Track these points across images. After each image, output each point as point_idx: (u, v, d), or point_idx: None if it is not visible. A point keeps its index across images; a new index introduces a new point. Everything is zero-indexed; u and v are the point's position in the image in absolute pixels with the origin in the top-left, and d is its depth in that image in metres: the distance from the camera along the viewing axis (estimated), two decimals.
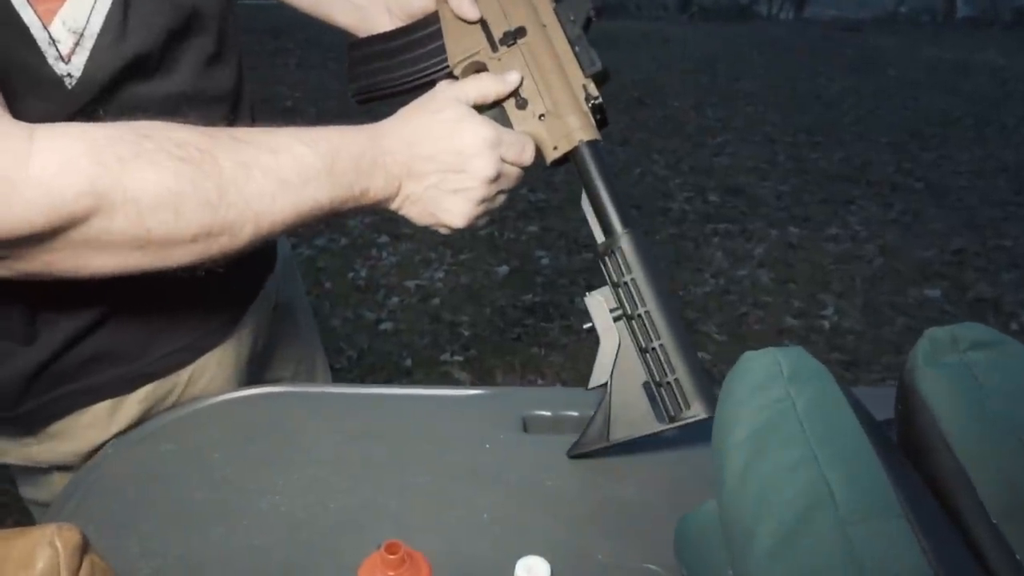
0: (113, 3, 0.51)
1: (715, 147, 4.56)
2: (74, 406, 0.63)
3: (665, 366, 0.55)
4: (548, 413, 0.71)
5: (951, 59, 7.64)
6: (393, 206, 0.59)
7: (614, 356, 0.58)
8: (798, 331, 2.58)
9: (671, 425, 0.55)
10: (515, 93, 0.63)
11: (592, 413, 0.61)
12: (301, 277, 0.93)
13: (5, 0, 0.46)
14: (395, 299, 2.68)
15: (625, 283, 0.57)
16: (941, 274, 3.01)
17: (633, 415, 0.57)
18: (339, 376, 2.25)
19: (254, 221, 0.51)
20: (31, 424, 0.63)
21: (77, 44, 0.50)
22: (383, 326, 2.51)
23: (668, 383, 0.55)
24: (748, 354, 0.44)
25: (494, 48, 0.65)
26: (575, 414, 0.70)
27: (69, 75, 0.50)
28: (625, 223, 0.59)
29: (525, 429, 0.70)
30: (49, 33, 0.49)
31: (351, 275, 2.81)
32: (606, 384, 0.58)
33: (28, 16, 0.48)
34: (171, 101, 0.57)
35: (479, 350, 2.40)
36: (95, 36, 0.51)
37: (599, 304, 0.59)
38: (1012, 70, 7.21)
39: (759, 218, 3.49)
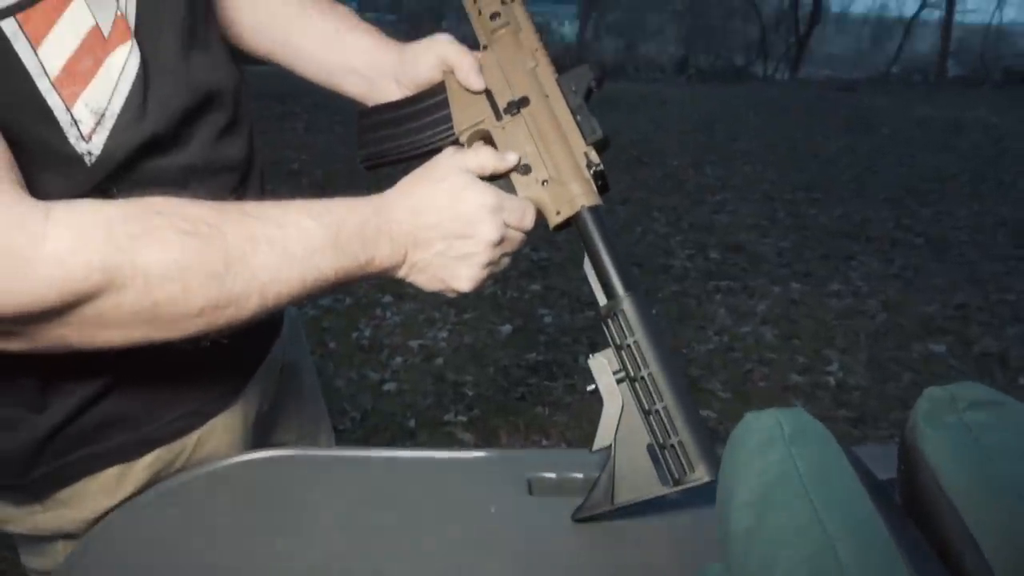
0: (133, 85, 0.54)
1: (715, 204, 4.62)
2: (83, 472, 0.63)
3: (668, 428, 0.55)
4: (553, 475, 0.71)
5: (944, 117, 7.79)
6: (400, 274, 0.61)
7: (617, 418, 0.58)
8: (803, 388, 2.56)
9: (675, 488, 0.55)
10: (518, 163, 0.65)
11: (597, 475, 0.61)
12: (306, 337, 0.94)
13: (32, 86, 0.49)
14: (399, 359, 2.67)
15: (628, 345, 0.58)
16: (945, 329, 3.01)
17: (637, 478, 0.57)
18: (343, 437, 2.23)
19: (260, 293, 0.52)
20: (39, 491, 0.63)
21: (98, 124, 0.52)
22: (387, 386, 2.51)
23: (672, 446, 0.55)
24: (749, 415, 0.45)
25: (498, 117, 0.67)
26: (580, 476, 0.70)
27: (89, 153, 0.52)
28: (627, 286, 0.60)
29: (530, 491, 0.69)
30: (72, 114, 0.51)
31: (355, 335, 2.81)
32: (610, 446, 0.58)
33: (53, 100, 0.50)
34: (183, 173, 0.59)
35: (483, 410, 2.39)
36: (115, 116, 0.53)
37: (602, 366, 0.60)
38: (1005, 127, 7.34)
39: (761, 275, 3.51)
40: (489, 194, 0.60)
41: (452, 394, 2.47)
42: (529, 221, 0.63)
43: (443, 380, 2.55)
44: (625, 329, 0.58)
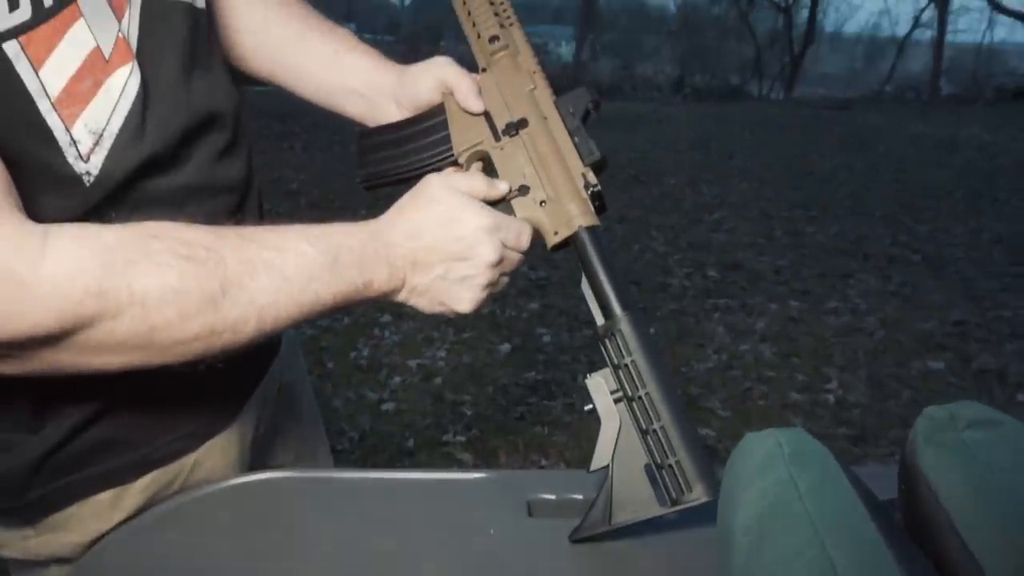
0: (133, 105, 0.54)
1: (712, 223, 4.64)
2: (78, 495, 0.62)
3: (666, 448, 0.55)
4: (552, 496, 0.70)
5: (938, 135, 7.85)
6: (399, 297, 0.60)
7: (615, 438, 0.58)
8: (803, 406, 2.56)
9: (673, 509, 0.55)
10: (508, 192, 0.65)
11: (596, 495, 0.60)
12: (304, 357, 0.94)
13: (32, 106, 0.49)
14: (397, 379, 2.67)
15: (625, 365, 0.58)
16: (943, 346, 3.01)
17: (635, 498, 0.57)
18: (341, 458, 2.22)
19: (257, 318, 0.52)
20: (33, 515, 0.62)
21: (96, 144, 0.52)
22: (385, 406, 2.50)
23: (669, 465, 0.55)
24: (749, 436, 0.44)
25: (497, 138, 0.68)
26: (579, 497, 0.69)
27: (87, 173, 0.52)
28: (624, 306, 0.60)
29: (530, 513, 0.69)
30: (71, 135, 0.51)
31: (353, 355, 2.81)
32: (607, 466, 0.58)
33: (53, 120, 0.50)
34: (182, 194, 0.59)
35: (482, 430, 2.37)
36: (114, 136, 0.53)
37: (600, 386, 0.59)
38: (998, 145, 7.40)
39: (759, 292, 3.51)
40: (486, 215, 0.60)
41: (451, 414, 2.46)
42: (526, 241, 0.63)
43: (442, 400, 2.54)
44: (622, 348, 0.58)
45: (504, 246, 0.61)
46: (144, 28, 0.56)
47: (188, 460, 0.68)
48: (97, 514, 0.63)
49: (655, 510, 0.56)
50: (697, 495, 0.53)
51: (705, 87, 14.42)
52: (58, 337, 0.46)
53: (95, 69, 0.51)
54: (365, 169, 0.74)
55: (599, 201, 0.65)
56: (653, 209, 4.84)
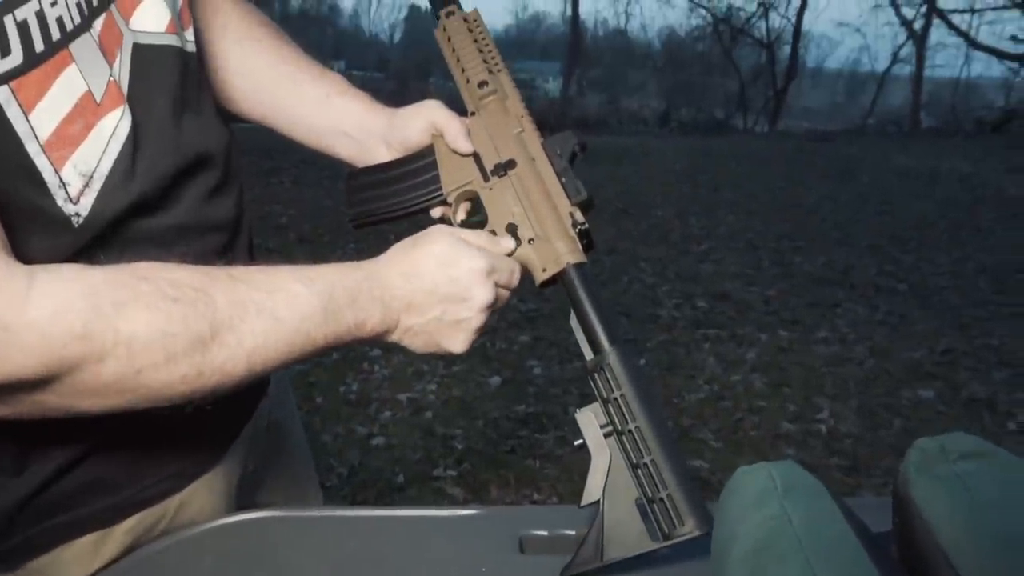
0: (123, 147, 0.54)
1: (700, 254, 4.67)
2: (60, 539, 0.61)
3: (657, 482, 0.55)
4: (545, 532, 0.69)
5: (920, 167, 7.99)
6: (392, 338, 0.60)
7: (605, 473, 0.57)
8: (795, 436, 2.55)
9: (665, 543, 0.54)
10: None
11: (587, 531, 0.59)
12: (293, 392, 0.93)
13: (21, 149, 0.49)
14: (387, 413, 2.64)
15: (615, 399, 0.58)
16: (933, 374, 3.02)
17: (627, 533, 0.56)
18: (330, 494, 2.19)
19: (247, 360, 0.51)
20: (14, 559, 0.60)
21: (86, 186, 0.52)
22: (375, 441, 2.47)
23: (660, 499, 0.54)
24: (742, 469, 0.44)
25: (486, 179, 0.69)
26: (572, 533, 0.68)
27: (77, 215, 0.52)
28: (612, 340, 0.61)
29: (522, 550, 0.68)
30: (60, 177, 0.51)
31: (343, 389, 2.78)
32: (598, 501, 0.58)
33: (42, 163, 0.50)
34: (171, 234, 0.59)
35: (472, 464, 2.35)
36: (104, 178, 0.53)
37: (590, 420, 0.59)
38: (979, 176, 7.53)
39: (748, 323, 3.53)
40: (481, 258, 0.61)
41: (441, 448, 2.44)
42: (516, 279, 0.64)
43: (432, 434, 2.52)
44: (611, 382, 0.58)
45: (497, 286, 0.62)
46: (135, 72, 0.56)
47: (174, 501, 0.66)
48: (80, 558, 0.62)
49: (647, 545, 0.55)
50: (689, 529, 0.53)
51: (691, 121, 14.65)
52: (43, 379, 0.45)
53: (86, 112, 0.51)
54: (354, 208, 0.75)
55: (587, 239, 0.66)
56: (641, 241, 4.87)
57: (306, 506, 0.89)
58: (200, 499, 0.68)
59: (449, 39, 0.75)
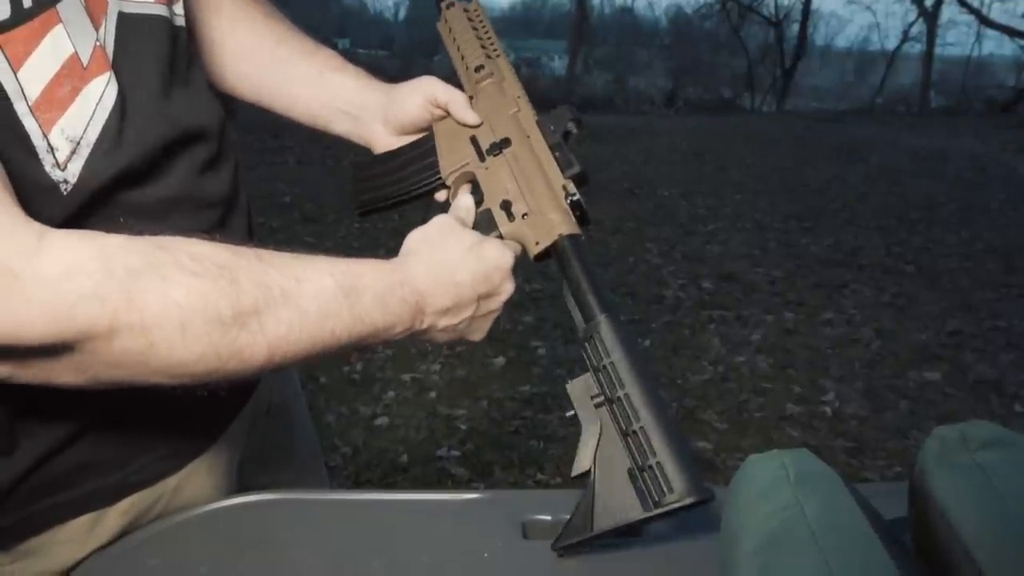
0: (110, 115, 0.52)
1: (706, 235, 4.64)
2: (54, 520, 0.60)
3: (647, 449, 0.52)
4: (548, 517, 0.68)
5: (929, 147, 7.91)
6: (422, 336, 0.60)
7: (596, 442, 0.56)
8: (800, 418, 2.54)
9: (656, 511, 0.51)
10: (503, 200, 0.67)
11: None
12: (297, 373, 0.92)
13: (10, 109, 0.47)
14: (391, 393, 2.64)
15: (604, 367, 0.56)
16: (939, 356, 3.00)
17: (617, 502, 0.54)
18: (334, 474, 2.19)
19: (268, 348, 0.48)
20: (7, 541, 0.60)
21: (73, 152, 0.51)
22: (379, 421, 2.47)
23: (650, 467, 0.52)
24: (753, 458, 0.43)
25: (482, 159, 0.70)
26: None
27: (65, 181, 0.51)
28: (603, 308, 0.60)
29: (525, 535, 0.67)
30: (48, 141, 0.49)
31: (346, 369, 2.78)
32: (589, 471, 0.56)
33: (30, 124, 0.49)
34: (162, 206, 0.58)
35: (476, 444, 2.35)
36: (91, 145, 0.52)
37: (581, 390, 0.58)
38: (989, 156, 7.45)
39: (754, 304, 3.51)
40: (508, 254, 0.62)
41: (445, 428, 2.44)
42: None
43: (436, 414, 2.52)
44: (601, 350, 0.57)
45: None
46: (120, 40, 0.54)
47: (170, 483, 0.65)
48: (74, 539, 0.61)
49: (638, 513, 0.53)
50: (679, 496, 0.50)
51: (698, 100, 14.52)
52: (49, 342, 0.43)
53: (73, 75, 0.50)
54: (360, 197, 0.77)
55: (580, 211, 0.66)
56: (647, 221, 4.83)
57: (307, 489, 0.88)
58: (198, 481, 0.68)
59: (450, 30, 0.77)
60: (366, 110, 0.75)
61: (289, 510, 0.70)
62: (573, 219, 0.65)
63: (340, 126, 0.77)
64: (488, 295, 0.60)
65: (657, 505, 0.51)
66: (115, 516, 0.62)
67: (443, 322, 0.59)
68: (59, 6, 0.49)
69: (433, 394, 2.64)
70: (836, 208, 5.34)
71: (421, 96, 0.72)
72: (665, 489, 0.51)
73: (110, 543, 0.63)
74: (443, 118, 0.74)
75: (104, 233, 0.46)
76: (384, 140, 0.76)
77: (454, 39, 0.76)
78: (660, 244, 4.37)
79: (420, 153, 0.73)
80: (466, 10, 0.77)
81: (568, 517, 0.68)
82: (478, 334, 0.63)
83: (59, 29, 0.49)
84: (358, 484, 2.15)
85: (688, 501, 0.49)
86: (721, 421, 2.50)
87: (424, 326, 0.58)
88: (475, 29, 0.76)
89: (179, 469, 0.66)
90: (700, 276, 3.86)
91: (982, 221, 5.02)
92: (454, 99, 0.71)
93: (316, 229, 4.23)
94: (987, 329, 3.25)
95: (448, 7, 0.78)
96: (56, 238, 0.44)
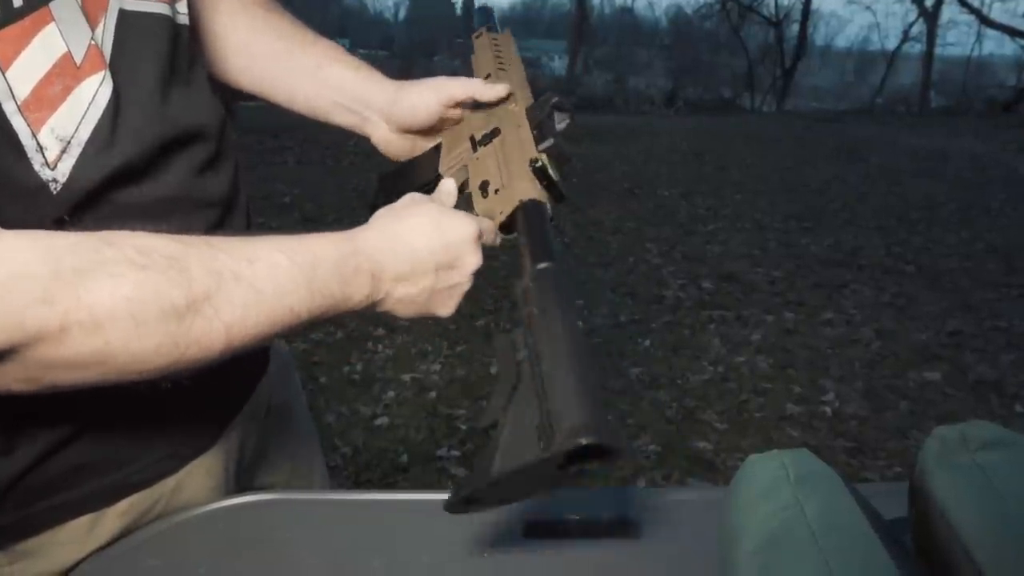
0: (103, 114, 0.52)
1: (706, 235, 4.64)
2: (52, 521, 0.60)
3: (549, 393, 0.50)
4: (548, 517, 0.68)
5: (930, 147, 7.90)
6: (383, 308, 0.59)
7: (508, 394, 0.54)
8: (800, 418, 2.54)
9: (552, 452, 0.47)
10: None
11: (596, 516, 0.58)
12: (297, 373, 0.91)
13: None
14: (391, 393, 2.64)
15: (526, 316, 0.55)
16: (939, 356, 3.00)
17: (519, 449, 0.51)
18: (333, 474, 2.18)
19: (225, 332, 0.48)
20: (4, 541, 0.59)
21: (64, 151, 0.50)
22: (379, 421, 2.47)
23: (548, 411, 0.49)
24: (753, 458, 0.43)
25: (475, 150, 0.70)
26: (576, 518, 0.67)
27: (54, 180, 0.50)
28: (536, 261, 0.57)
29: (525, 535, 0.67)
30: (37, 140, 0.49)
31: (346, 369, 2.78)
32: (497, 423, 0.55)
33: (19, 123, 0.48)
34: (159, 206, 0.57)
35: (476, 444, 2.35)
36: (83, 144, 0.51)
37: (505, 343, 0.56)
38: (989, 156, 7.45)
39: (754, 304, 3.50)
40: (471, 223, 0.60)
41: (445, 428, 2.44)
42: (493, 239, 0.63)
43: (436, 414, 2.52)
44: (526, 300, 0.55)
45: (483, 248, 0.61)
46: (119, 38, 0.54)
47: (169, 483, 0.65)
48: (73, 540, 0.61)
49: (529, 456, 0.48)
50: (576, 438, 0.46)
51: (698, 100, 14.51)
52: (4, 348, 0.42)
53: (65, 74, 0.50)
54: (377, 202, 0.77)
55: (546, 179, 0.64)
56: (647, 221, 4.83)
57: (306, 489, 0.88)
58: (197, 482, 0.67)
59: (476, 58, 0.79)
60: (366, 105, 0.75)
61: (288, 510, 0.70)
62: (539, 186, 0.64)
63: (340, 118, 0.76)
64: (450, 266, 0.58)
65: (548, 446, 0.47)
66: (114, 517, 0.62)
67: (401, 290, 0.57)
68: (52, 5, 0.49)
69: (433, 394, 2.63)
70: (836, 208, 5.34)
71: (435, 99, 0.72)
72: (568, 432, 0.47)
73: (109, 544, 0.63)
74: (458, 120, 0.74)
75: (56, 233, 0.45)
76: (385, 136, 0.76)
77: (477, 62, 0.78)
78: (660, 244, 4.37)
79: (430, 155, 0.74)
80: (494, 39, 0.79)
81: (567, 516, 0.68)
82: (443, 309, 0.60)
83: (51, 28, 0.49)
84: (358, 484, 2.15)
85: (583, 442, 0.45)
86: (721, 421, 2.50)
87: (382, 295, 0.57)
88: (496, 48, 0.77)
89: (178, 470, 0.66)
90: (700, 276, 3.86)
91: (982, 221, 5.02)
92: (473, 87, 0.71)
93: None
94: (987, 329, 3.25)
95: (477, 37, 0.80)
96: (4, 240, 0.43)
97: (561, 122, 0.68)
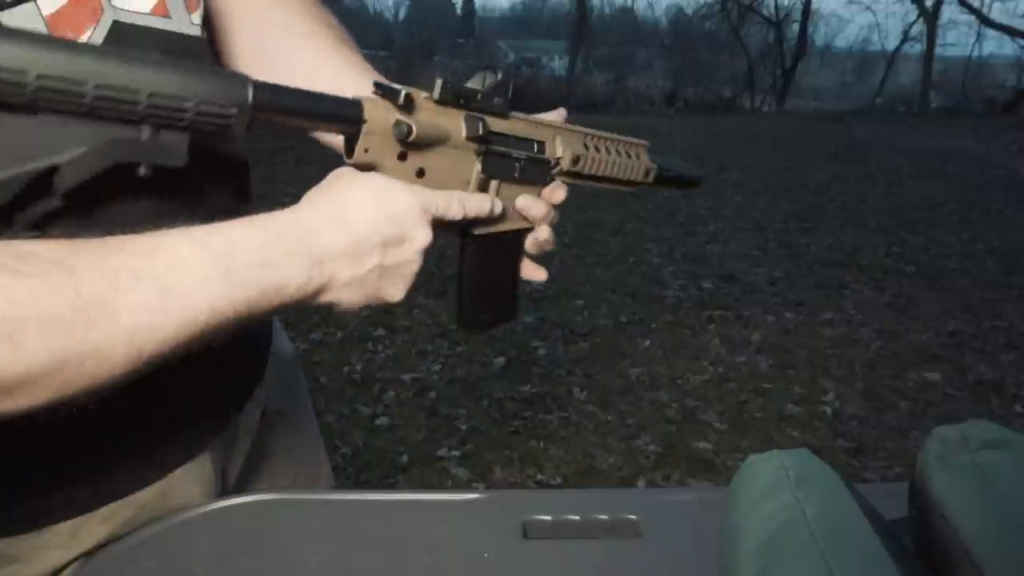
0: None
1: (707, 235, 4.64)
2: (34, 524, 0.58)
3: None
4: (548, 517, 0.68)
5: (930, 147, 7.90)
6: (327, 297, 0.52)
7: None
8: (800, 418, 2.54)
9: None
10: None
11: (594, 515, 0.58)
12: (303, 377, 0.90)
13: None
14: (391, 393, 2.64)
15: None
16: (939, 356, 3.00)
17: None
18: (334, 474, 2.18)
19: (126, 341, 0.42)
20: None
21: None
22: (379, 421, 2.47)
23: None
24: (753, 458, 0.43)
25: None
26: (576, 518, 0.67)
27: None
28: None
29: (525, 535, 0.67)
30: None
31: (346, 369, 2.78)
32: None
33: None
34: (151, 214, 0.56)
35: (476, 444, 2.35)
36: None
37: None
38: (989, 156, 7.45)
39: (754, 304, 3.51)
40: (415, 193, 0.54)
41: (445, 429, 2.43)
42: (457, 209, 0.56)
43: (436, 414, 2.52)
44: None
45: (434, 221, 0.55)
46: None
47: (154, 490, 0.64)
48: (57, 545, 0.59)
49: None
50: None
51: (698, 100, 14.52)
52: None
53: None
54: None
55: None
56: (648, 221, 4.83)
57: (306, 489, 0.88)
58: (183, 489, 0.65)
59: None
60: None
61: (288, 510, 0.70)
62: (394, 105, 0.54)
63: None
64: (398, 241, 0.52)
65: None
66: (98, 522, 0.61)
67: (345, 271, 0.51)
68: (39, 1, 0.46)
69: (433, 394, 2.63)
70: (836, 208, 5.34)
71: None
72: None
73: (98, 547, 0.62)
74: None
75: None
76: None
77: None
78: (660, 244, 4.37)
79: None
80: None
81: (567, 517, 0.68)
82: (394, 291, 0.54)
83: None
84: (358, 484, 2.15)
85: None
86: (721, 421, 2.50)
87: (325, 278, 0.51)
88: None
89: (162, 477, 0.64)
90: (700, 276, 3.86)
91: (982, 222, 5.02)
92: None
93: None
94: (987, 329, 3.25)
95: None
96: None
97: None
